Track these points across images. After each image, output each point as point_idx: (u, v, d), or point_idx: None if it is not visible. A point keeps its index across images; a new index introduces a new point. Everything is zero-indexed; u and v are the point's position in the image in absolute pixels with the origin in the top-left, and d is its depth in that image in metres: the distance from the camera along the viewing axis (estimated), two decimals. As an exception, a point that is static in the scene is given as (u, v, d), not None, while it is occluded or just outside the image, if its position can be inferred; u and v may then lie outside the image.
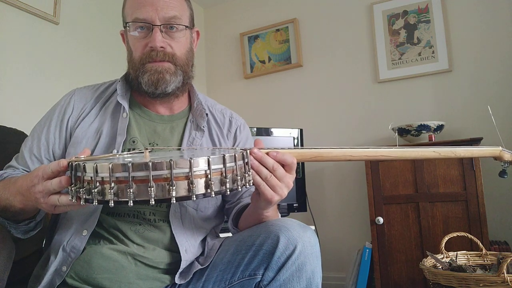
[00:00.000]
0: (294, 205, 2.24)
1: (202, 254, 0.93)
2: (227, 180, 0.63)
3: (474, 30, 2.32)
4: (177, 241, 0.88)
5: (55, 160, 0.94)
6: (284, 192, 0.77)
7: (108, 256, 0.83)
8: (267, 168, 0.74)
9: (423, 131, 2.11)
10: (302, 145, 2.37)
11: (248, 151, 0.71)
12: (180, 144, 0.97)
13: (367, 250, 2.14)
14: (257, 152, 0.73)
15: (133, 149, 0.91)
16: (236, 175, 0.65)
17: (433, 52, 2.39)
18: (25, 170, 0.93)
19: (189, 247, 0.90)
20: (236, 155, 0.66)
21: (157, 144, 0.95)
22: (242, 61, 3.00)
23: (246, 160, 0.70)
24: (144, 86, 0.92)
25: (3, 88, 1.75)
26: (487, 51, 2.28)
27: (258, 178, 0.74)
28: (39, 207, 0.73)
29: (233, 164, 0.64)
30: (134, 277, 0.84)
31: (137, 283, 0.84)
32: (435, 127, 2.11)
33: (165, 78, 0.91)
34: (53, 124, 0.96)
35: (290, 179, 0.77)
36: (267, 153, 0.74)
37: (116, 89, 0.98)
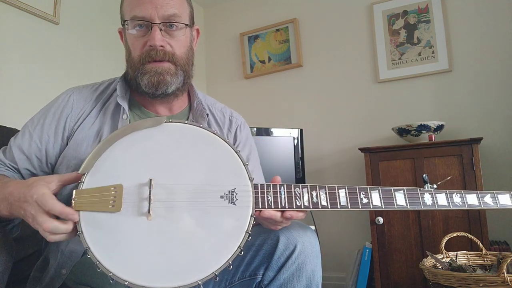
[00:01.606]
0: (294, 205, 2.24)
1: None
2: None
3: (474, 30, 2.32)
4: None
5: (46, 159, 0.91)
6: (288, 224, 0.79)
7: None
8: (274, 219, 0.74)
9: (423, 131, 2.11)
10: (302, 145, 2.37)
11: (253, 216, 0.70)
12: None
13: (367, 250, 2.14)
14: (268, 217, 0.72)
15: None
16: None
17: (433, 52, 2.39)
18: (12, 166, 0.90)
19: None
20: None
21: None
22: (242, 61, 3.00)
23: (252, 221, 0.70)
24: (144, 87, 0.90)
25: (3, 88, 1.75)
26: (487, 51, 2.28)
27: (262, 220, 0.76)
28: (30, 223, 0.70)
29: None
30: None
31: None
32: (435, 127, 2.11)
33: (165, 80, 0.89)
34: (47, 122, 0.92)
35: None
36: (282, 212, 0.73)
37: (116, 89, 0.96)
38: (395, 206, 0.76)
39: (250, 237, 0.68)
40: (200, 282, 0.63)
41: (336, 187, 0.75)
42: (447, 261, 1.54)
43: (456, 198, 0.81)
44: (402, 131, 2.17)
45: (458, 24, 2.36)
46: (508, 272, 1.19)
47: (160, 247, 0.65)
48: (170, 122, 0.76)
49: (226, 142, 0.75)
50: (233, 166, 0.73)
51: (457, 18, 2.36)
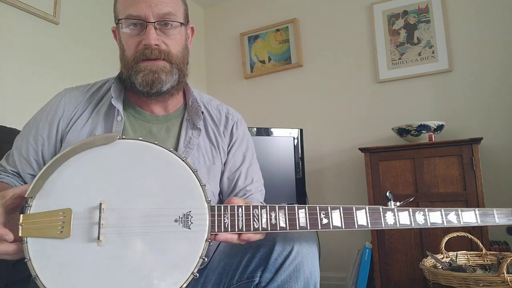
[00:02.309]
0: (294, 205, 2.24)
1: None
2: None
3: (474, 30, 2.32)
4: None
5: (44, 162, 0.91)
6: (244, 243, 0.76)
7: None
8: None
9: (423, 131, 2.11)
10: (302, 145, 2.37)
11: (208, 240, 0.69)
12: (177, 144, 0.94)
13: (367, 250, 2.14)
14: (222, 238, 0.71)
15: None
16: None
17: (433, 52, 2.39)
18: (13, 172, 0.91)
19: None
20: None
21: None
22: (242, 61, 3.00)
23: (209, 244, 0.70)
24: (138, 86, 0.89)
25: (3, 88, 1.75)
26: (487, 51, 2.28)
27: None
28: None
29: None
30: None
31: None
32: (435, 127, 2.11)
33: (160, 78, 0.88)
34: (40, 125, 0.92)
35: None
36: (239, 235, 0.72)
37: (110, 89, 0.95)
38: (356, 226, 0.74)
39: (205, 260, 0.68)
40: None
41: (296, 207, 0.74)
42: (447, 261, 1.54)
43: (419, 216, 0.80)
44: (402, 131, 2.17)
45: (458, 24, 2.36)
46: (508, 272, 1.19)
47: (109, 275, 0.64)
48: (123, 139, 0.73)
49: (183, 160, 0.73)
50: (189, 187, 0.71)
51: (457, 18, 2.36)
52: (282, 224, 0.72)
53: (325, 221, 0.73)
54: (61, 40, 2.03)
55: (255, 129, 2.25)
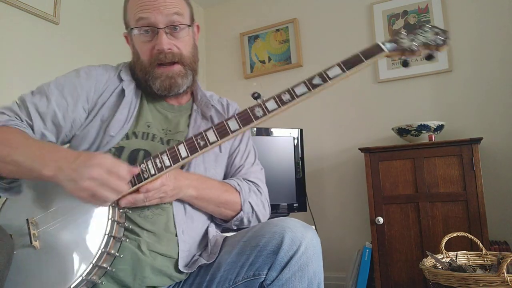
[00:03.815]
0: (294, 205, 2.24)
1: (205, 250, 0.93)
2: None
3: (474, 30, 2.32)
4: (175, 221, 0.89)
5: (60, 125, 0.92)
6: (169, 197, 0.86)
7: (125, 246, 0.83)
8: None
9: (423, 131, 2.11)
10: (302, 145, 2.37)
11: (115, 211, 0.79)
12: (188, 132, 1.01)
13: (367, 250, 2.14)
14: (126, 203, 0.81)
15: (147, 134, 0.95)
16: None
17: (433, 52, 2.39)
18: (28, 123, 0.91)
19: (186, 228, 0.90)
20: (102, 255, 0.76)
21: (170, 131, 0.99)
22: (242, 61, 3.00)
23: (120, 214, 0.81)
24: (156, 91, 0.97)
25: (3, 88, 1.75)
26: (487, 51, 2.28)
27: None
28: (76, 186, 0.73)
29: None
30: (149, 271, 0.84)
31: (150, 277, 0.84)
32: (435, 127, 2.11)
33: (177, 82, 0.96)
34: (66, 90, 0.95)
35: (166, 188, 0.84)
36: (138, 190, 0.81)
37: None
38: (230, 133, 0.82)
39: (115, 220, 0.78)
40: (84, 277, 0.72)
41: (175, 145, 0.82)
42: (447, 261, 1.54)
43: (286, 96, 0.91)
44: (402, 131, 2.17)
45: (458, 24, 2.36)
46: (508, 272, 1.19)
47: (46, 264, 0.77)
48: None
49: None
50: None
51: (457, 18, 2.36)
52: (167, 163, 0.80)
53: (202, 143, 0.81)
54: (61, 40, 2.03)
55: (255, 129, 2.25)
